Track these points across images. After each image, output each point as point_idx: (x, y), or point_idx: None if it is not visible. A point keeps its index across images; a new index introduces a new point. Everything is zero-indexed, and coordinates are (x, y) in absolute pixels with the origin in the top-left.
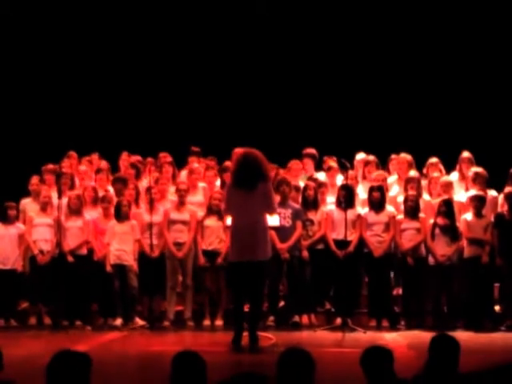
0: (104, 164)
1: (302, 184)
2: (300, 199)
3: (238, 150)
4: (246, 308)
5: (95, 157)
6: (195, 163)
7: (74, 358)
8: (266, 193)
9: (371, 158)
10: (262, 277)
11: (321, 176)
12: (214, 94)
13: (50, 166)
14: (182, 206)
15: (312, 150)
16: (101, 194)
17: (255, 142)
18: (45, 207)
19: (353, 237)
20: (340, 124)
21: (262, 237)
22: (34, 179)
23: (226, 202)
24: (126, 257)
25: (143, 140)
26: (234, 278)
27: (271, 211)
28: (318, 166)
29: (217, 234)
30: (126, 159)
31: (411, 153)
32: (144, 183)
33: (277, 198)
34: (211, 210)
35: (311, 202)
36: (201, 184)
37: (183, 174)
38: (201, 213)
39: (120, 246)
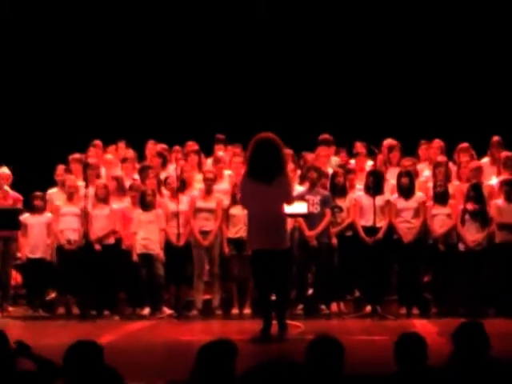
0: (130, 153)
1: (330, 171)
2: (328, 186)
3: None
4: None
5: (122, 145)
6: (220, 151)
7: (88, 348)
8: (284, 185)
9: (394, 142)
10: (285, 265)
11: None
12: (240, 80)
13: (76, 156)
14: (208, 194)
15: (329, 136)
16: (128, 183)
17: (281, 128)
18: (71, 197)
19: (382, 223)
20: (370, 109)
21: (279, 227)
22: (60, 169)
23: (242, 193)
24: (153, 246)
25: (170, 128)
26: (256, 266)
27: (288, 201)
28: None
29: (244, 222)
30: (152, 148)
31: (441, 138)
32: (171, 171)
33: (305, 185)
34: (236, 199)
35: (340, 189)
36: (227, 172)
37: (209, 162)
38: (226, 201)
39: (146, 235)
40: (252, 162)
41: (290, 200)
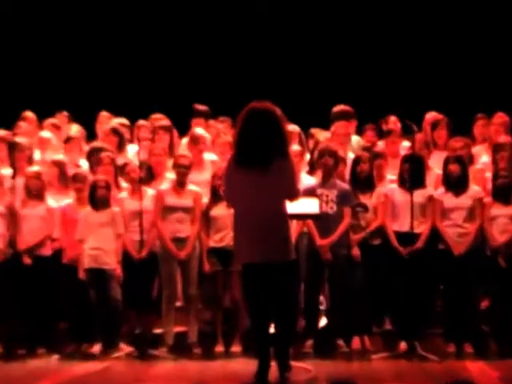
0: (75, 129)
1: (351, 155)
2: (348, 176)
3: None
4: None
5: (63, 118)
6: (200, 128)
7: None
8: (285, 173)
9: (439, 116)
10: (289, 284)
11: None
12: (227, 37)
13: (0, 133)
14: (182, 187)
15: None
16: (72, 171)
17: (284, 97)
18: None
19: (422, 228)
20: (406, 72)
21: (279, 232)
22: None
23: (226, 185)
24: (106, 258)
25: (130, 96)
26: (249, 286)
27: (292, 196)
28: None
29: (231, 226)
30: (105, 122)
31: (505, 112)
32: (131, 156)
33: (316, 175)
34: (217, 195)
35: (364, 180)
36: (209, 156)
37: (184, 142)
38: (208, 197)
39: (96, 243)
40: (240, 140)
41: (294, 193)
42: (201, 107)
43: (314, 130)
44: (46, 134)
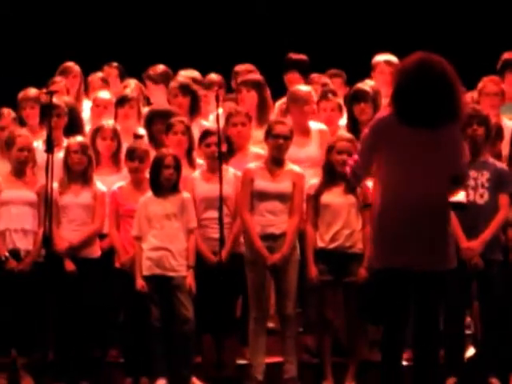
0: (134, 86)
1: (508, 123)
2: (507, 152)
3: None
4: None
5: (113, 72)
6: (303, 85)
7: None
8: (456, 141)
9: None
10: (438, 301)
11: None
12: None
13: (32, 92)
14: (278, 166)
15: None
16: (126, 144)
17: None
18: (21, 169)
19: None
20: None
21: (442, 227)
22: (7, 114)
23: (367, 152)
24: (173, 262)
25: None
26: (386, 301)
27: (461, 176)
28: None
29: (345, 220)
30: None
31: None
32: (209, 122)
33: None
34: (331, 174)
35: None
36: (316, 125)
37: (279, 106)
38: (314, 179)
39: (161, 241)
40: (404, 93)
41: (463, 170)
42: (297, 56)
43: None
44: (104, 94)
